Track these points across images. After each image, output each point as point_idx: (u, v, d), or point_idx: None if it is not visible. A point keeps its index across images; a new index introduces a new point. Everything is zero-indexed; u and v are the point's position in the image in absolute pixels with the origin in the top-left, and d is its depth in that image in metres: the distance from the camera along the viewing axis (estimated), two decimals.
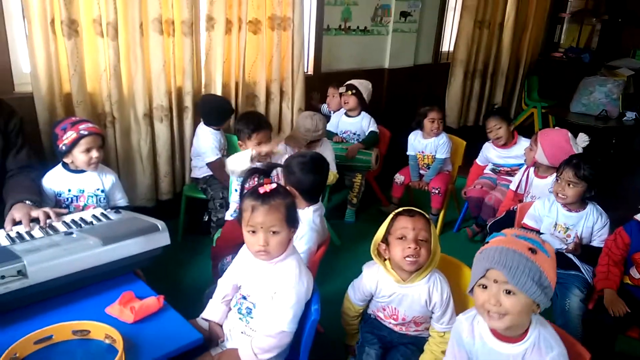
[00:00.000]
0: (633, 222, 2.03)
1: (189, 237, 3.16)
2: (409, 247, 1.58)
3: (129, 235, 1.59)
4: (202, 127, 3.05)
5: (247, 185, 1.89)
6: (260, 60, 3.38)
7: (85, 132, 2.07)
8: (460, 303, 1.71)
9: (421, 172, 3.53)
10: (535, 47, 5.95)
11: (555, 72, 6.02)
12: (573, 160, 2.19)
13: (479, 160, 3.43)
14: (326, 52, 3.94)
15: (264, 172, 1.75)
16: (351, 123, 3.61)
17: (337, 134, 3.62)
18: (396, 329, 1.77)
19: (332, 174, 2.96)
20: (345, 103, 3.58)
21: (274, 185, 1.55)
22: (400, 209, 1.68)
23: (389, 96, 4.49)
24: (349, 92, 3.54)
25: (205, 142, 2.98)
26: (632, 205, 2.08)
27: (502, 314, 1.23)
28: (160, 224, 1.69)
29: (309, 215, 1.99)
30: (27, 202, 1.84)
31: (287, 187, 1.98)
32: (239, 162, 2.38)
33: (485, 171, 3.42)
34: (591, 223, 2.18)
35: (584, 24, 6.28)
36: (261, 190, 1.52)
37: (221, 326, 1.67)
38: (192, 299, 1.90)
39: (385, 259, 1.69)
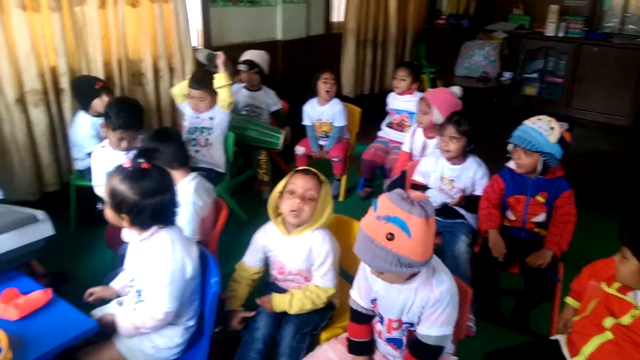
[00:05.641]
0: (506, 169, 2.24)
1: (84, 228, 2.97)
2: (295, 202, 1.68)
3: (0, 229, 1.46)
4: (80, 115, 2.81)
5: None
6: (143, 36, 3.20)
7: None
8: (352, 255, 1.80)
9: (321, 142, 3.59)
10: (420, 15, 6.22)
11: (440, 38, 6.35)
12: (454, 117, 2.36)
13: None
14: (215, 25, 3.82)
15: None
16: (254, 97, 3.54)
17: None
18: (290, 287, 1.82)
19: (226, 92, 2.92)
20: (248, 81, 3.51)
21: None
22: (300, 168, 1.78)
23: (285, 68, 4.48)
24: (252, 71, 3.48)
25: (82, 130, 2.76)
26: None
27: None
28: (39, 213, 1.57)
29: (185, 189, 1.95)
30: None
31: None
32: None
33: (378, 134, 3.58)
34: (472, 173, 2.37)
35: None
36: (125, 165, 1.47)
37: None
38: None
39: (279, 214, 1.78)
